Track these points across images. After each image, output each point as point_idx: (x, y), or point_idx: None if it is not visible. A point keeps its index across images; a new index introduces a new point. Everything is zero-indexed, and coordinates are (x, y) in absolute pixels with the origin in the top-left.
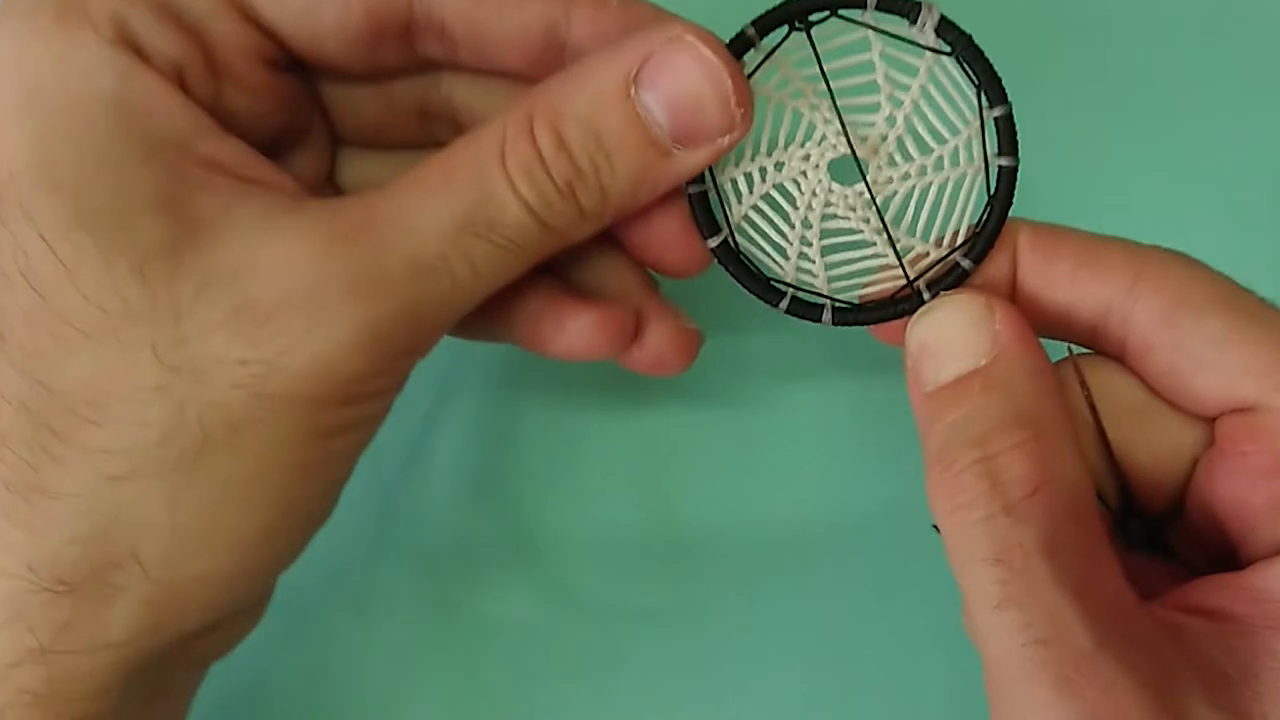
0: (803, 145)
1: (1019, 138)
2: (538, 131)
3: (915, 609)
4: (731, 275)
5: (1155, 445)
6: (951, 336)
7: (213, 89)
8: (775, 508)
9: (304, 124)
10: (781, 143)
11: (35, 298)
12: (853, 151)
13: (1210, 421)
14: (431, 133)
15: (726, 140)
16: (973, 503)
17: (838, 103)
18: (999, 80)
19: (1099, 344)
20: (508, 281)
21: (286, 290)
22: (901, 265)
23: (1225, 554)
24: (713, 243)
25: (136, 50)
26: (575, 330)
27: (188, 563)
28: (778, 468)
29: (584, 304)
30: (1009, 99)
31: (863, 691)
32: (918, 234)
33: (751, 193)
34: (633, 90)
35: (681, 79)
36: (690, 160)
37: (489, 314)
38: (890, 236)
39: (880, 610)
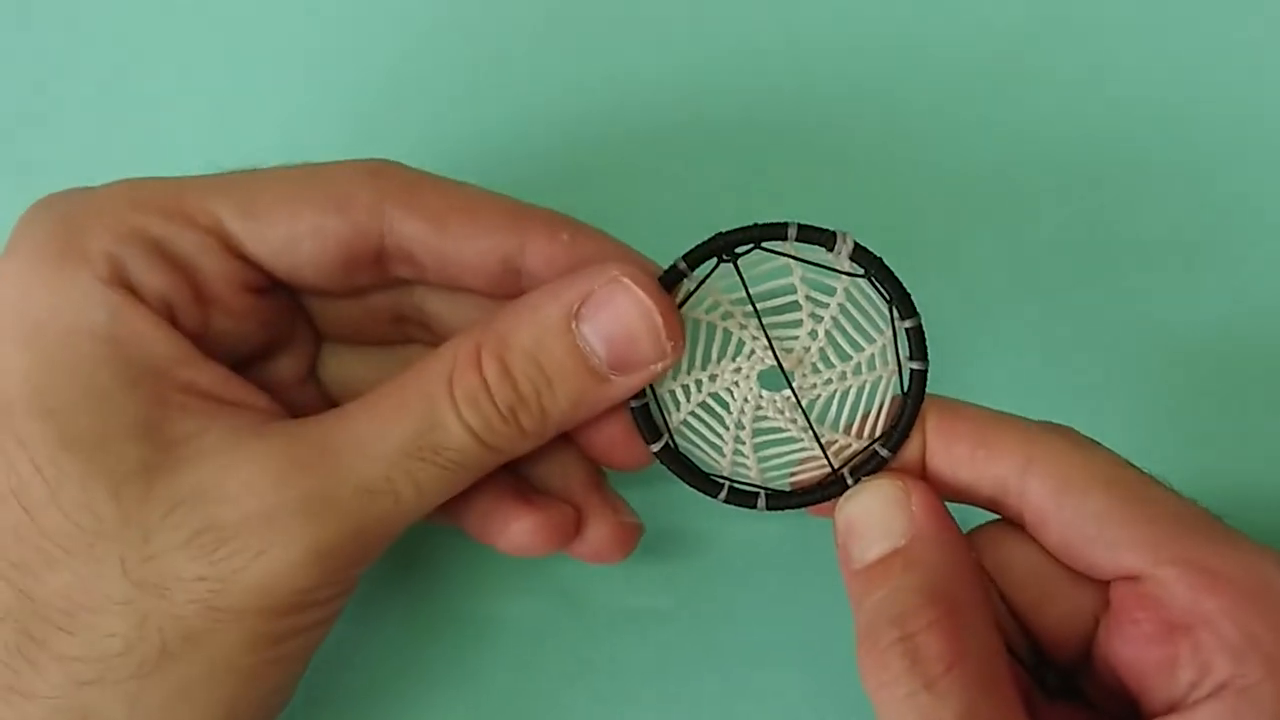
0: (734, 359)
1: (927, 345)
2: (484, 361)
3: None
4: (673, 473)
5: (1058, 607)
6: (873, 518)
7: (200, 317)
8: None
9: (286, 334)
10: (715, 357)
11: (23, 515)
12: (779, 364)
13: (1106, 585)
14: (406, 333)
15: (659, 367)
16: (896, 680)
17: (764, 321)
18: (909, 296)
19: (1002, 513)
20: (449, 496)
21: (245, 513)
22: (826, 457)
23: (1131, 704)
24: (654, 447)
25: (129, 287)
26: (518, 531)
27: None
28: None
29: (527, 506)
30: (918, 312)
31: (861, 690)
32: (840, 428)
33: (689, 401)
34: (574, 324)
35: (618, 316)
36: (626, 384)
37: (443, 508)
38: (816, 434)
39: None
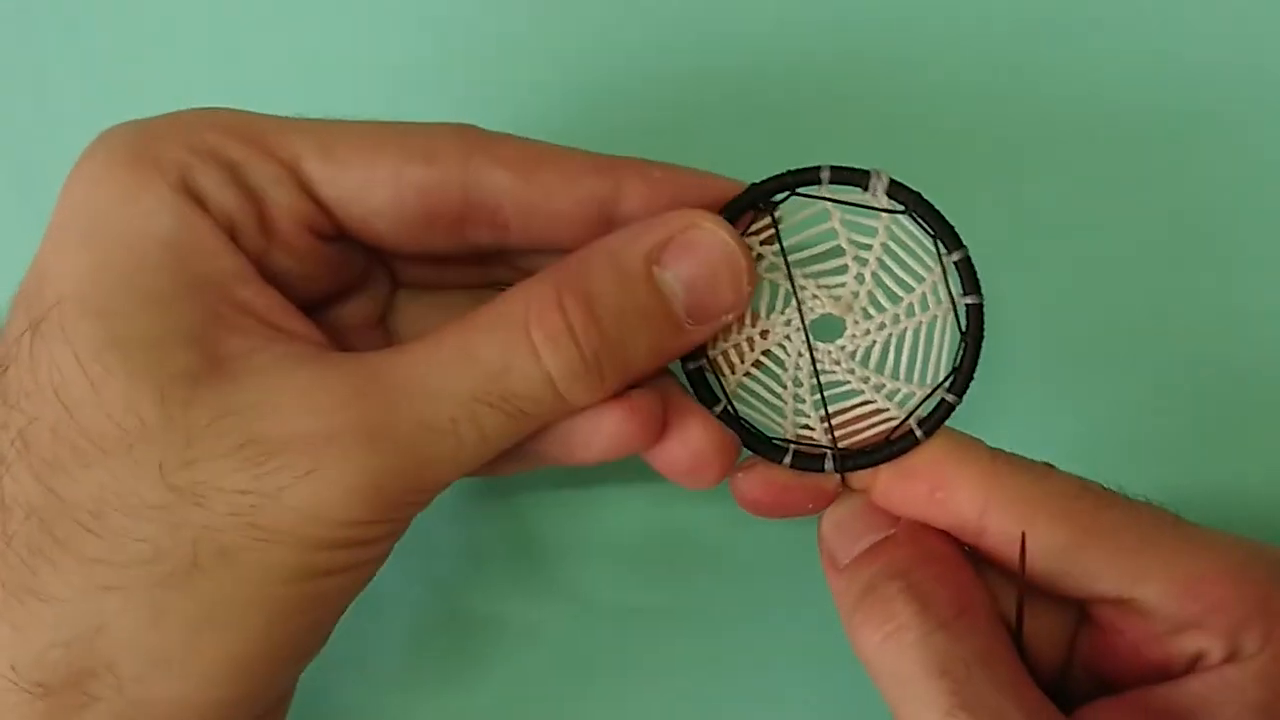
0: (783, 312)
1: (979, 276)
2: (568, 305)
3: None
4: (738, 438)
5: (1035, 620)
6: (857, 518)
7: (261, 246)
8: None
9: (354, 281)
10: (764, 312)
11: (62, 412)
12: (804, 329)
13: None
14: (491, 275)
15: (730, 317)
16: (905, 626)
17: (810, 270)
18: (952, 228)
19: (963, 541)
20: (508, 446)
21: (294, 430)
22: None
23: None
24: (715, 410)
25: (197, 199)
26: (612, 422)
27: (162, 684)
28: None
29: (613, 400)
30: (964, 243)
31: (863, 691)
32: (901, 376)
33: (743, 362)
34: (656, 269)
35: (702, 260)
36: (698, 335)
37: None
38: (873, 385)
39: None
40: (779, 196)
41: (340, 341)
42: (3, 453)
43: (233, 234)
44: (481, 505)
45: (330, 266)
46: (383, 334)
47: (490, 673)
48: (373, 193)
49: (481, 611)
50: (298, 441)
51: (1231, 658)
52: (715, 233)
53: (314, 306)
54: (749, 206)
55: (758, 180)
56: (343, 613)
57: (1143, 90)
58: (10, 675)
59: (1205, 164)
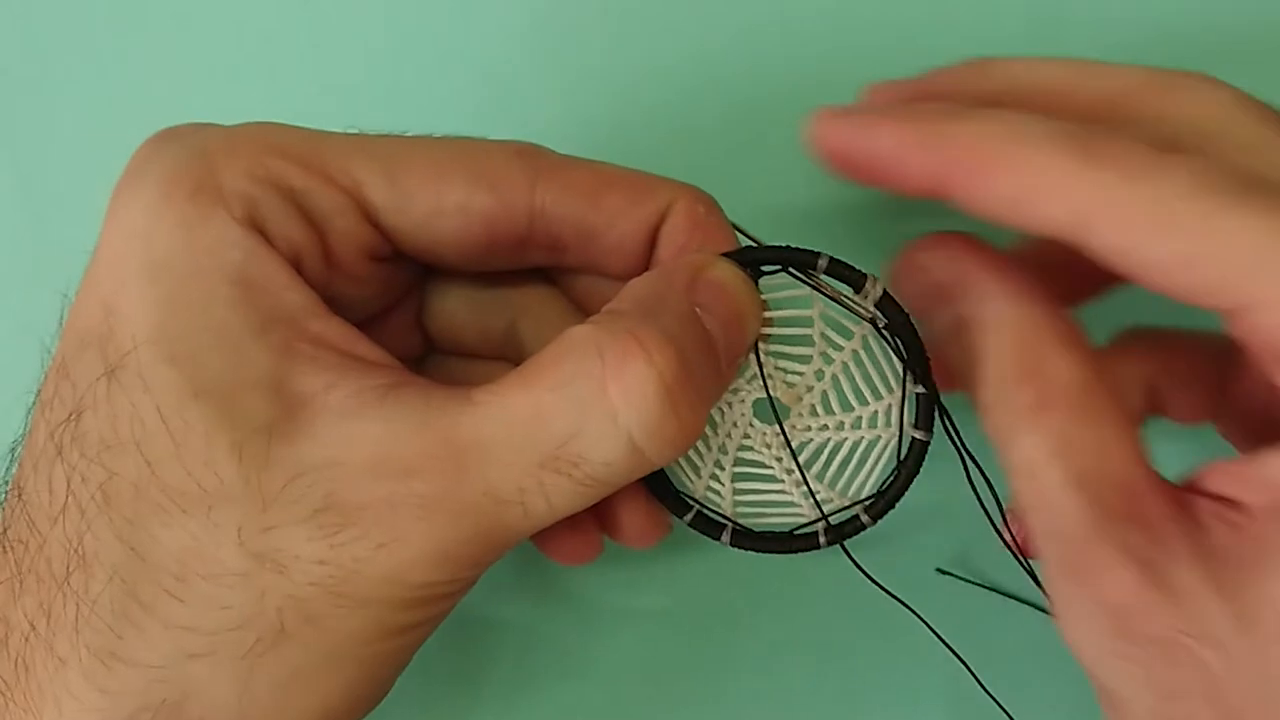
0: (735, 377)
1: (935, 418)
2: (654, 350)
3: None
4: (644, 482)
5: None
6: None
7: (325, 276)
8: None
9: (403, 294)
10: None
11: (145, 467)
12: (770, 398)
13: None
14: (528, 258)
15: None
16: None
17: (774, 349)
18: (927, 361)
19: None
20: (577, 511)
21: (368, 498)
22: (819, 508)
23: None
24: None
25: (262, 233)
26: (634, 513)
27: None
28: None
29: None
30: (934, 380)
31: (863, 691)
32: (825, 482)
33: None
34: (696, 310)
35: (730, 301)
36: (729, 378)
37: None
38: (806, 479)
39: (881, 609)
40: (769, 268)
41: (385, 348)
42: (84, 508)
43: (297, 265)
44: None
45: (383, 286)
46: (421, 334)
47: (489, 673)
48: (440, 223)
49: (481, 612)
50: (370, 510)
51: None
52: (736, 274)
53: (363, 323)
54: (741, 265)
55: (758, 244)
56: (410, 660)
57: None
58: None
59: None
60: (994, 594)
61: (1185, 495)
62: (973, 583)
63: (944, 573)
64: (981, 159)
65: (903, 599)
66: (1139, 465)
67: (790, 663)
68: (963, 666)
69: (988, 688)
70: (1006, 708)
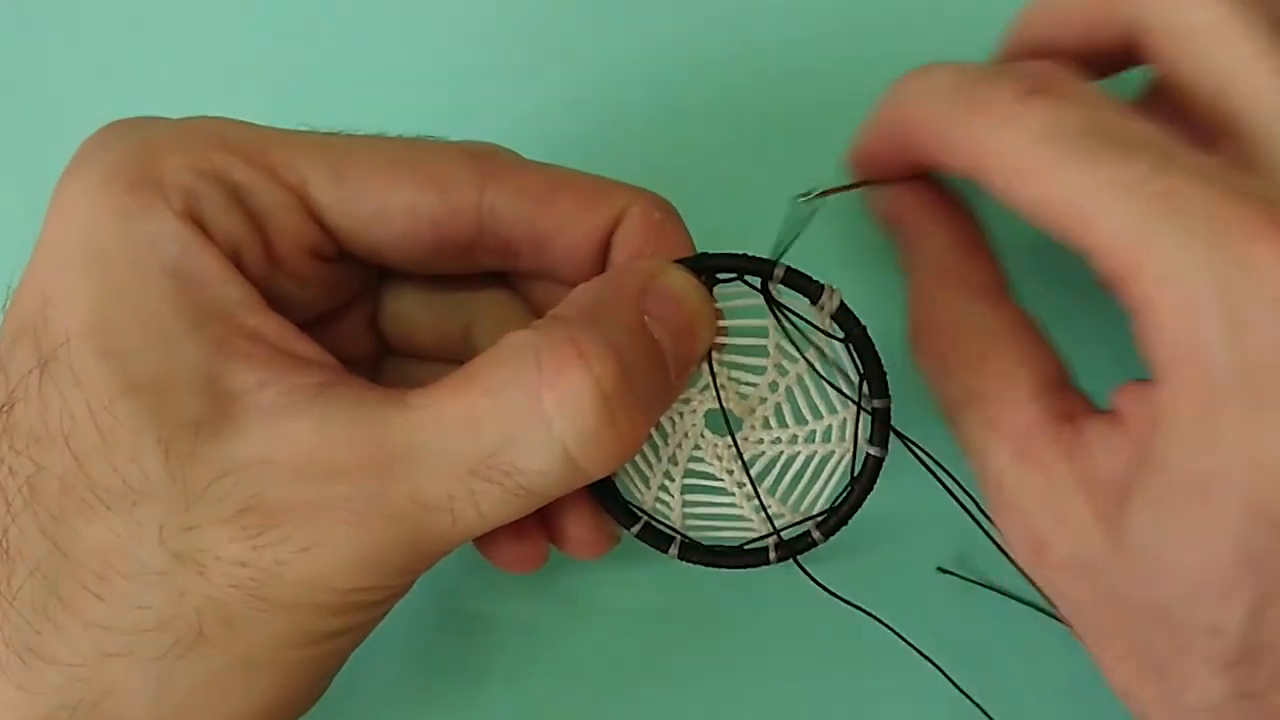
0: (686, 387)
1: (890, 433)
2: (591, 356)
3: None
4: (591, 491)
5: None
6: None
7: (266, 272)
8: None
9: (351, 297)
10: None
11: (72, 463)
12: (722, 410)
13: None
14: (479, 262)
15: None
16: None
17: (727, 359)
18: (884, 375)
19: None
20: (510, 520)
21: (292, 500)
22: (771, 522)
23: None
24: None
25: (201, 226)
26: (578, 525)
27: None
28: None
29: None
30: (889, 394)
31: (863, 691)
32: (776, 496)
33: None
34: (647, 319)
35: (681, 309)
36: (679, 389)
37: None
38: (758, 493)
39: (881, 610)
40: (725, 275)
41: (337, 349)
42: (10, 500)
43: (237, 260)
44: None
45: (329, 286)
46: (374, 334)
47: (489, 673)
48: (386, 224)
49: (481, 612)
50: (293, 513)
51: None
52: (688, 281)
53: (311, 324)
54: (695, 272)
55: (711, 251)
56: (339, 669)
57: None
58: None
59: None
60: (994, 594)
61: (1082, 424)
62: (973, 582)
63: (944, 572)
64: (906, 123)
65: (902, 599)
66: (1036, 410)
67: (789, 663)
68: (960, 667)
69: (985, 687)
70: (1006, 706)
